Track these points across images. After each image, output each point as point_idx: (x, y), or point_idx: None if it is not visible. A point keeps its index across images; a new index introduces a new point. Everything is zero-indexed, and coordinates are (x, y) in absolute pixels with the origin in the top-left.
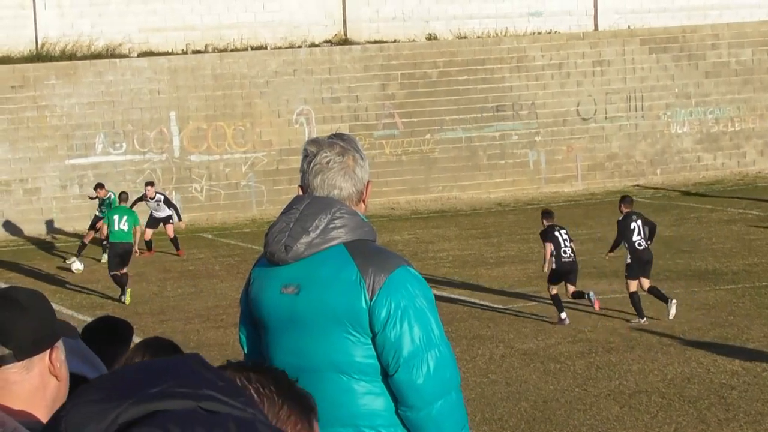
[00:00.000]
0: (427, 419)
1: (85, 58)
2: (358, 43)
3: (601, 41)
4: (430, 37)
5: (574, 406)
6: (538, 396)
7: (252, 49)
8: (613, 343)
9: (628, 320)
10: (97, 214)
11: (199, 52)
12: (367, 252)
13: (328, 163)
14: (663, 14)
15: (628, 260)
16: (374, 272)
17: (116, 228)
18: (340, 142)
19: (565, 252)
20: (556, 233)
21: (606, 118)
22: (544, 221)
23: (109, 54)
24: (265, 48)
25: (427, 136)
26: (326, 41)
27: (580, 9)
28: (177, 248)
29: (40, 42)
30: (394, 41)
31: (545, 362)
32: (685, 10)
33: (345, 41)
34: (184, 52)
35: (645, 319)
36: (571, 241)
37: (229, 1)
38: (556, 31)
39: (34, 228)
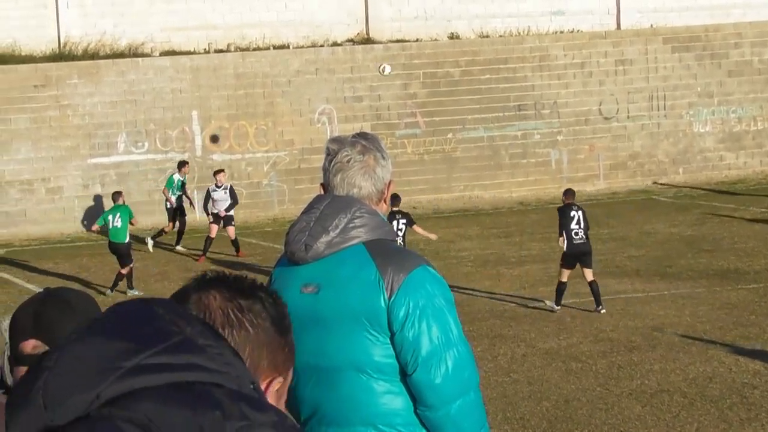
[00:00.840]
0: (446, 419)
1: (107, 57)
2: (380, 43)
3: (623, 40)
4: (452, 37)
5: (595, 405)
6: (559, 395)
7: (274, 48)
8: (635, 342)
9: (543, 301)
10: (174, 199)
11: (221, 51)
12: (387, 251)
13: (348, 161)
14: (685, 13)
15: (564, 249)
16: (393, 272)
17: (110, 227)
18: (363, 141)
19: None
20: (394, 222)
21: (628, 117)
22: (392, 207)
23: (132, 53)
24: (287, 47)
25: (449, 136)
26: (348, 40)
27: (602, 8)
28: (237, 250)
29: (62, 41)
30: (416, 40)
31: (567, 361)
32: (707, 9)
33: (367, 40)
34: (206, 52)
35: (559, 308)
36: (405, 226)
37: (251, 0)
38: (578, 30)
39: (56, 227)
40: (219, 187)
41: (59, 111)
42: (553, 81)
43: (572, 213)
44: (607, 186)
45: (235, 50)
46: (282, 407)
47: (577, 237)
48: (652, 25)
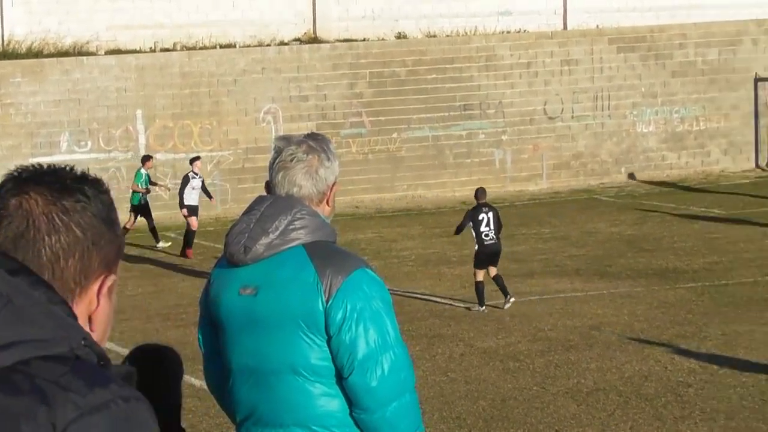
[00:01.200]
0: (381, 421)
1: (51, 56)
2: (327, 42)
3: (569, 40)
4: (400, 36)
5: (532, 404)
6: (496, 394)
7: (221, 47)
8: (573, 341)
9: (468, 308)
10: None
11: (167, 50)
12: (326, 253)
13: (292, 160)
14: (632, 13)
15: (476, 249)
16: (332, 274)
17: None
18: (310, 141)
19: None
20: None
21: (573, 117)
22: None
23: (77, 52)
24: (234, 46)
25: (394, 135)
26: (295, 40)
27: (549, 8)
28: (189, 246)
29: (6, 39)
30: (364, 40)
31: (504, 361)
32: (653, 10)
33: (314, 40)
34: (152, 50)
35: (485, 307)
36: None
37: None
38: (525, 30)
39: None
40: (197, 175)
41: (1, 110)
42: (499, 81)
43: (481, 216)
44: (550, 185)
45: (182, 49)
46: (114, 304)
47: (488, 238)
48: (598, 26)
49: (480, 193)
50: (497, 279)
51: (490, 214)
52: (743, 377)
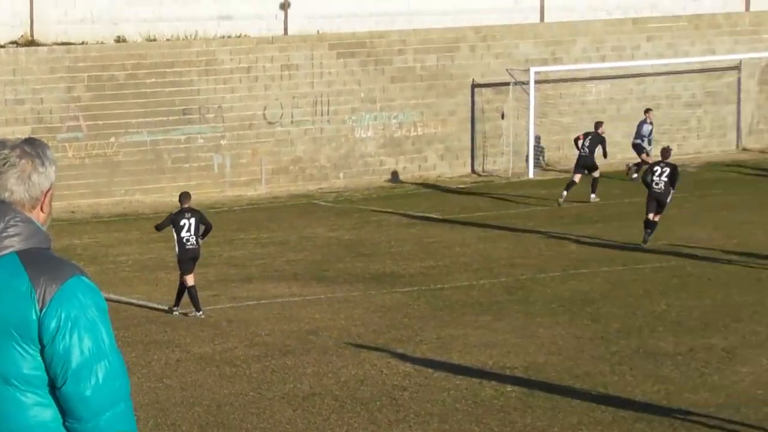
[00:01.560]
0: (95, 431)
1: None
2: (44, 45)
3: (290, 45)
4: (119, 40)
5: (247, 409)
6: (212, 400)
7: None
8: (290, 346)
9: (185, 314)
10: None
11: None
12: (40, 261)
13: (4, 164)
14: (352, 19)
15: (177, 254)
16: (46, 282)
17: None
18: (25, 146)
19: None
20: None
21: (292, 122)
22: None
23: None
24: None
25: (112, 140)
26: (12, 42)
27: (270, 13)
28: None
29: None
30: (82, 43)
31: (221, 366)
32: (374, 16)
33: (31, 42)
34: None
35: (201, 313)
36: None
37: None
38: (245, 35)
39: None
40: None
41: None
42: (219, 85)
43: (183, 221)
44: (269, 190)
45: None
46: None
47: (189, 243)
48: (318, 31)
49: (183, 197)
50: (191, 290)
51: (192, 220)
52: (457, 380)
